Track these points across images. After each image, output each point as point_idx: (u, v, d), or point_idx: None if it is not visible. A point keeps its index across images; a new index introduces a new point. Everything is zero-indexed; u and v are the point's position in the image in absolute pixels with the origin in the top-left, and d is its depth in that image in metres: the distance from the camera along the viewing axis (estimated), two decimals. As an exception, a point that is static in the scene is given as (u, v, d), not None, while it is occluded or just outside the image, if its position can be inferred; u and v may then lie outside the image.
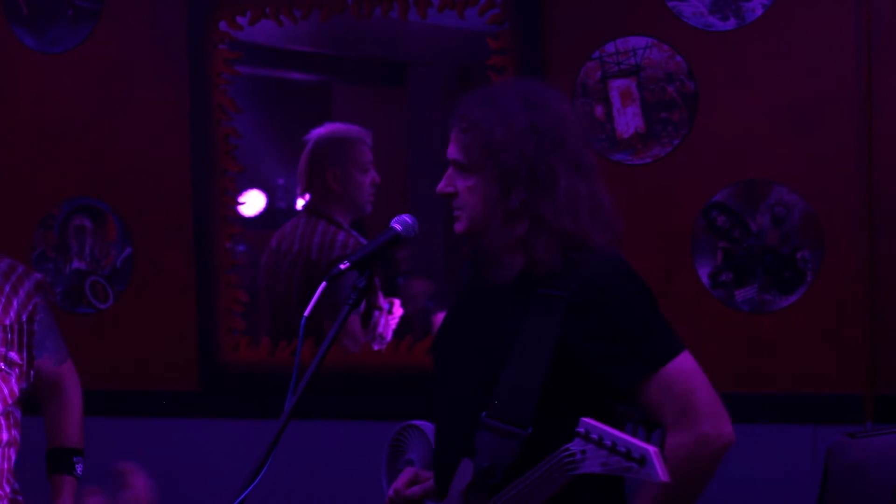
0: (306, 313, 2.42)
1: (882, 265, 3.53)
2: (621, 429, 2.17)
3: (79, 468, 3.21)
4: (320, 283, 2.44)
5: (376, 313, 4.23)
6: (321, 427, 3.92)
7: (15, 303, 3.12)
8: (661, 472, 2.09)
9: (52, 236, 4.32)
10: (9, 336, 3.10)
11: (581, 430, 2.19)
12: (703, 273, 3.66)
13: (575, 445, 2.21)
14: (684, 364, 2.44)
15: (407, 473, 2.70)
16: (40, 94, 4.33)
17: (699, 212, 3.66)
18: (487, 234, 2.52)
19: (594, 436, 2.17)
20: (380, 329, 4.24)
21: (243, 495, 2.31)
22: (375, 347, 4.11)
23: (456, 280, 2.81)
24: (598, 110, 3.73)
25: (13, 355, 3.10)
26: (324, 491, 4.02)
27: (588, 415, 2.33)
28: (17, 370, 3.12)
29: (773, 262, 3.61)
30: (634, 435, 2.14)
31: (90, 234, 4.28)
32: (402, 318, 4.34)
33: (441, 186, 2.56)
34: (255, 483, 2.31)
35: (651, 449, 2.09)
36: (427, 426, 2.87)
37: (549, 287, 2.45)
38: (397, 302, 4.33)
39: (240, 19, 4.11)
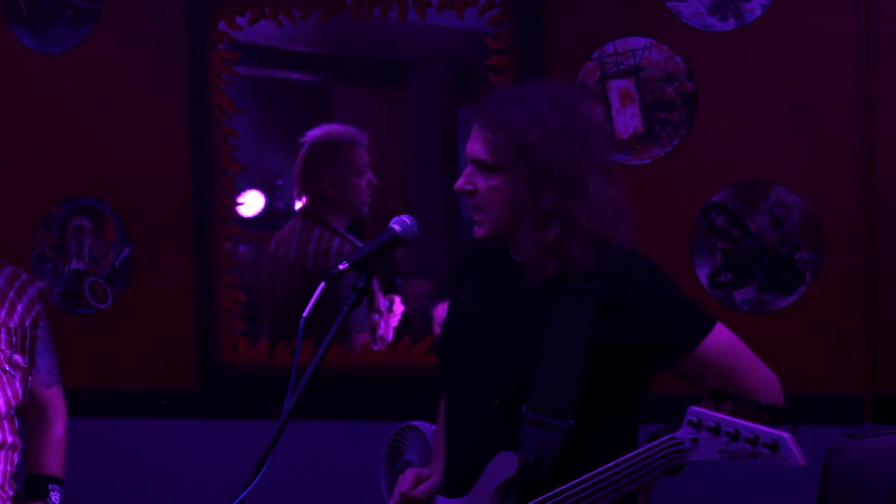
0: (305, 314, 2.42)
1: (881, 265, 3.53)
2: (736, 414, 2.19)
3: (54, 496, 3.17)
4: (318, 287, 2.44)
5: (375, 316, 4.23)
6: (320, 427, 3.92)
7: (19, 307, 3.14)
8: (799, 457, 2.11)
9: (52, 237, 4.31)
10: (13, 339, 3.11)
11: (693, 418, 2.19)
12: (702, 273, 3.66)
13: (683, 433, 2.22)
14: (718, 338, 2.49)
15: (410, 474, 2.69)
16: (40, 94, 4.34)
17: (698, 212, 3.66)
18: (518, 237, 2.52)
19: (709, 423, 2.17)
20: (380, 332, 4.24)
21: (243, 495, 2.31)
22: (375, 348, 4.11)
23: (459, 277, 2.79)
24: (598, 111, 3.73)
25: (18, 358, 3.12)
26: (323, 491, 4.02)
27: (626, 399, 2.47)
28: (20, 373, 3.13)
29: (772, 262, 3.61)
30: (755, 419, 2.16)
31: (89, 235, 4.28)
32: (402, 317, 4.34)
33: (460, 184, 2.56)
34: (254, 483, 2.31)
35: (786, 435, 2.12)
36: (425, 426, 2.86)
37: (576, 283, 2.47)
38: (398, 299, 4.32)
39: (239, 20, 4.11)
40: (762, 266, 3.61)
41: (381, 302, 4.27)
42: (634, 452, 2.29)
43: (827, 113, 3.56)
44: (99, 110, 4.27)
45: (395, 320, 4.30)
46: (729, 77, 3.65)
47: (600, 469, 2.32)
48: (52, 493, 3.18)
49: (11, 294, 3.14)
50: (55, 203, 4.31)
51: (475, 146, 2.54)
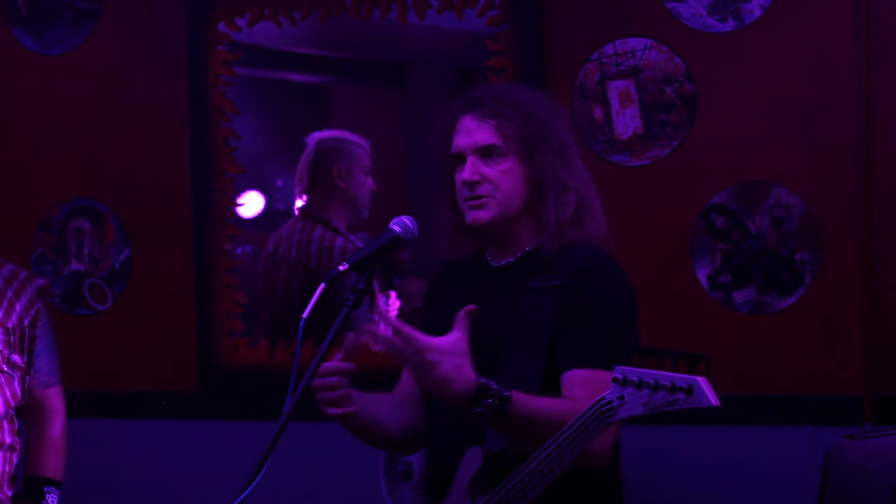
0: (305, 315, 2.42)
1: (881, 266, 3.53)
2: (660, 365, 2.21)
3: (50, 498, 3.17)
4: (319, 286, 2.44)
5: (375, 317, 4.22)
6: (320, 428, 3.91)
7: (18, 307, 3.14)
8: (712, 397, 2.12)
9: (51, 238, 4.31)
10: (11, 339, 3.11)
11: (618, 376, 2.21)
12: (702, 275, 3.66)
13: (611, 393, 2.23)
14: (595, 378, 2.43)
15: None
16: (39, 95, 4.33)
17: (698, 213, 3.66)
18: (542, 211, 2.57)
19: (633, 378, 2.20)
20: (380, 332, 4.23)
21: (243, 496, 2.31)
22: (374, 348, 4.11)
23: (433, 292, 2.83)
24: (597, 112, 3.73)
25: (16, 358, 3.11)
26: (323, 492, 4.02)
27: None
28: (19, 373, 3.12)
29: (771, 263, 3.61)
30: (676, 368, 2.18)
31: (89, 236, 4.28)
32: (400, 314, 4.33)
33: (468, 175, 2.58)
34: (254, 484, 2.31)
35: (699, 378, 2.13)
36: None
37: (541, 281, 2.51)
38: (393, 294, 4.32)
39: (239, 21, 4.11)
40: (762, 267, 3.61)
41: (381, 302, 4.27)
42: (570, 422, 2.29)
43: (826, 114, 3.56)
44: (98, 111, 4.27)
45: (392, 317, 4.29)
46: (728, 78, 3.65)
47: (544, 446, 2.32)
48: (48, 495, 3.17)
49: (10, 293, 3.14)
50: (55, 204, 4.31)
51: (478, 135, 2.58)
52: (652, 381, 2.17)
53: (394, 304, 4.31)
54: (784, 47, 3.60)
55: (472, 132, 2.58)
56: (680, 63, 3.67)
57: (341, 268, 2.47)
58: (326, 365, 2.50)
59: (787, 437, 3.58)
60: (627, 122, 3.71)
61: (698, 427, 3.57)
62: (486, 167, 2.57)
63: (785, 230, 3.59)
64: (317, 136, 4.36)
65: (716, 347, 3.62)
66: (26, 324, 3.14)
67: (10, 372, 3.11)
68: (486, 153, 2.57)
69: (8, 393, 3.10)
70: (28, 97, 4.35)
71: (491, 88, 2.67)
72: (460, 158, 2.60)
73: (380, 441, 2.77)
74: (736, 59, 3.64)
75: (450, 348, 2.33)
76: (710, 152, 3.66)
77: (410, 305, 4.59)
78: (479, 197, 2.57)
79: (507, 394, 2.33)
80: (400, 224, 2.57)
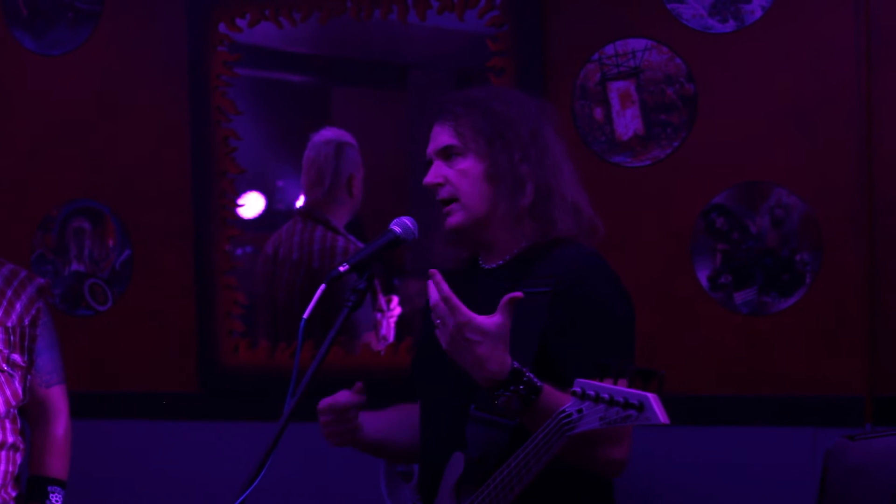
0: (305, 315, 2.42)
1: (881, 267, 3.53)
2: (616, 382, 2.20)
3: (54, 497, 3.16)
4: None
5: (378, 316, 4.23)
6: (320, 429, 3.92)
7: (18, 306, 3.14)
8: (661, 415, 2.12)
9: (51, 238, 4.31)
10: (11, 338, 3.11)
11: (577, 389, 2.21)
12: (703, 275, 3.66)
13: (571, 406, 2.23)
14: None
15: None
16: (40, 96, 4.33)
17: (698, 214, 3.66)
18: (496, 207, 2.55)
19: (590, 392, 2.20)
20: (383, 331, 4.24)
21: (243, 497, 2.31)
22: (378, 347, 4.11)
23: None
24: (598, 112, 3.73)
25: (16, 357, 3.11)
26: (323, 493, 4.02)
27: None
28: (19, 373, 3.12)
29: (772, 264, 3.61)
30: (632, 385, 2.17)
31: (89, 237, 4.28)
32: (401, 318, 4.34)
33: (429, 179, 2.60)
34: (254, 485, 2.31)
35: (649, 395, 2.13)
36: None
37: (530, 286, 2.48)
38: (395, 299, 4.33)
39: (239, 21, 4.11)
40: (762, 268, 3.61)
41: (383, 302, 4.27)
42: (534, 435, 2.28)
43: (827, 114, 3.56)
44: (99, 112, 4.27)
45: (392, 321, 4.30)
46: (729, 79, 3.65)
47: (510, 458, 2.32)
48: (51, 494, 3.17)
49: (10, 293, 3.14)
50: (55, 205, 4.31)
51: (439, 138, 2.60)
52: (607, 397, 2.17)
53: (395, 309, 4.31)
54: (784, 48, 3.60)
55: (436, 137, 2.61)
56: (680, 64, 3.67)
57: (342, 269, 2.47)
58: (329, 404, 2.62)
59: (787, 438, 3.58)
60: (628, 122, 3.71)
61: (698, 427, 3.57)
62: (447, 168, 2.58)
63: (785, 230, 3.59)
64: (335, 136, 4.33)
65: (716, 348, 3.63)
66: (26, 323, 3.14)
67: (11, 371, 3.11)
68: (446, 155, 2.59)
69: (8, 392, 3.10)
70: (29, 98, 4.35)
71: (455, 93, 2.67)
72: (430, 165, 2.63)
73: (390, 455, 2.83)
74: (736, 60, 3.64)
75: (492, 330, 2.32)
76: (711, 153, 3.66)
77: (411, 306, 4.59)
78: (446, 201, 2.58)
79: (539, 384, 2.32)
80: (400, 225, 2.57)
